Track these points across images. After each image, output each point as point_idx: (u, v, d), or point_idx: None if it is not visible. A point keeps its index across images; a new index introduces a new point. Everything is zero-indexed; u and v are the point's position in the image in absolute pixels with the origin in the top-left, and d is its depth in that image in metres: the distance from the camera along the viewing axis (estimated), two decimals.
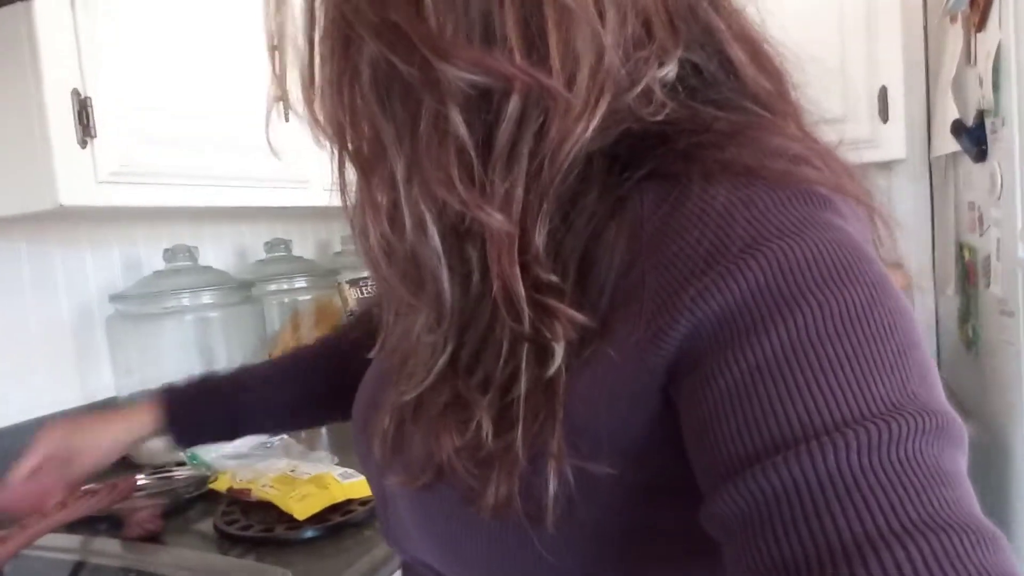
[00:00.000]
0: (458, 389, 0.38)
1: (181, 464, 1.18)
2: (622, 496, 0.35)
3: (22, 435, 1.23)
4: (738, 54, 0.39)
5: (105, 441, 0.72)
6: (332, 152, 0.39)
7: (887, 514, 0.26)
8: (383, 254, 0.39)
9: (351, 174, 0.40)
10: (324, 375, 0.74)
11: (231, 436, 0.76)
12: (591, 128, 0.34)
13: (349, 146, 0.38)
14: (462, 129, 0.34)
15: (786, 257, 0.31)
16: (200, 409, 0.73)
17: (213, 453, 1.17)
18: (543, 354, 0.35)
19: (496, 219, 0.34)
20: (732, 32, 0.39)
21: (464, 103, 0.34)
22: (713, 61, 0.39)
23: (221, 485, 1.03)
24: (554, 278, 0.35)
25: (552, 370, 0.35)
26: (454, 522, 0.40)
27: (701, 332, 0.31)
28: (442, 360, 0.39)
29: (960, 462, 0.29)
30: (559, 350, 0.35)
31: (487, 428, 0.36)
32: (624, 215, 0.36)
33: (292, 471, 1.02)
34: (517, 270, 0.35)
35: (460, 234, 0.37)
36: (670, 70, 0.37)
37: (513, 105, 0.34)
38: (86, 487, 0.75)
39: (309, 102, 0.38)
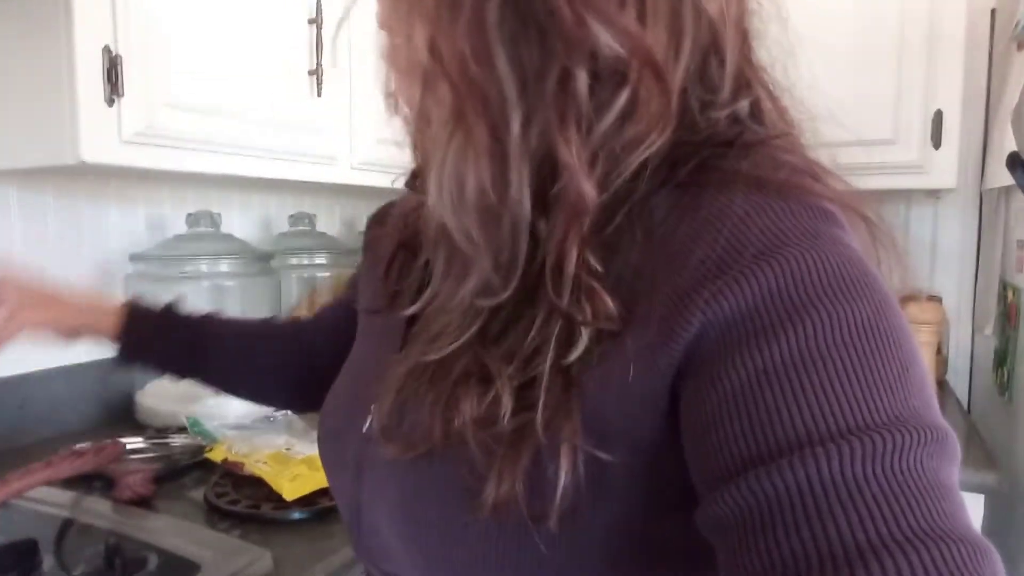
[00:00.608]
0: (483, 357, 0.37)
1: (182, 430, 1.18)
2: (627, 500, 0.35)
3: (32, 385, 1.25)
4: (765, 102, 0.42)
5: (67, 319, 0.71)
6: (429, 90, 0.38)
7: (888, 522, 0.26)
8: (475, 207, 0.37)
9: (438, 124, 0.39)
10: (281, 356, 0.74)
11: (179, 372, 0.74)
12: (667, 131, 0.37)
13: (462, 85, 0.36)
14: (584, 93, 0.35)
15: (798, 266, 0.31)
16: (162, 331, 0.72)
17: (215, 422, 1.17)
18: (571, 335, 0.35)
19: (589, 192, 0.35)
20: (759, 80, 0.42)
21: (590, 69, 0.35)
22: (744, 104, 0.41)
23: (216, 455, 1.03)
24: (597, 264, 0.36)
25: (576, 353, 0.35)
26: (444, 520, 0.38)
27: (710, 333, 0.32)
28: (476, 326, 0.39)
29: (955, 477, 0.30)
30: (586, 334, 0.35)
31: (507, 403, 0.35)
32: (640, 218, 0.37)
33: (288, 449, 1.02)
34: (576, 246, 0.35)
35: (544, 200, 0.37)
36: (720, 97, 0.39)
37: (626, 91, 0.36)
38: (74, 448, 0.74)
39: (429, 34, 0.37)
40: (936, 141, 1.40)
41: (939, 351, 1.65)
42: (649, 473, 0.35)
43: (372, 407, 0.45)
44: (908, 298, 1.43)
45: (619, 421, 0.34)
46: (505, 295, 0.38)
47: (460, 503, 0.37)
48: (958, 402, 1.58)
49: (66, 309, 0.71)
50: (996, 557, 0.27)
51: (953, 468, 0.30)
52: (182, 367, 0.74)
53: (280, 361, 0.73)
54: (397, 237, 0.52)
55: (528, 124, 0.36)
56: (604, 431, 0.35)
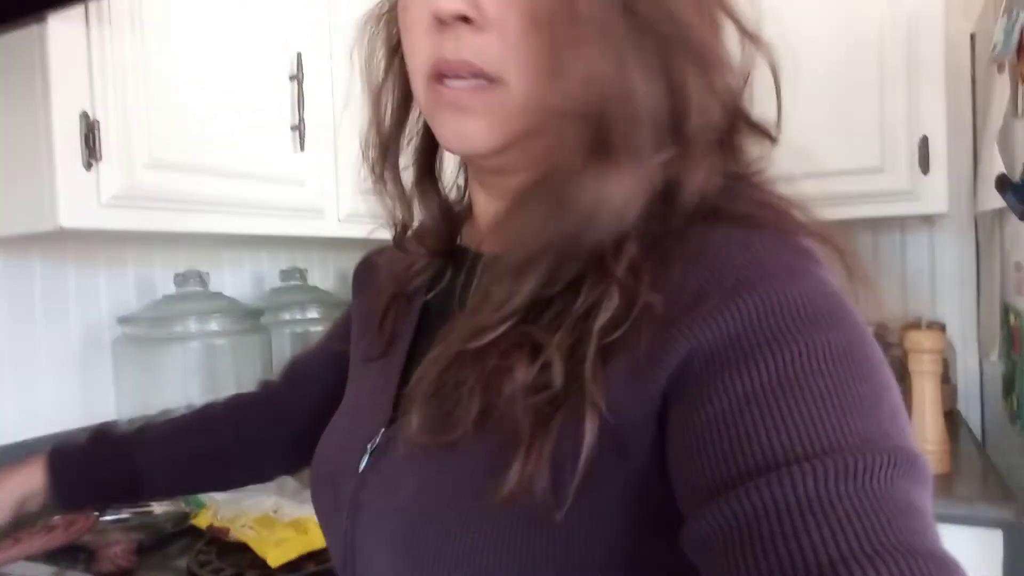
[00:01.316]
0: (529, 331, 0.38)
1: None
2: (621, 521, 0.36)
3: (21, 453, 1.23)
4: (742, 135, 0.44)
5: None
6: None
7: (860, 537, 0.28)
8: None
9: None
10: (235, 430, 0.71)
11: (128, 497, 0.70)
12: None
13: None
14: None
15: (778, 297, 0.34)
16: (92, 468, 0.67)
17: None
18: (619, 307, 0.37)
19: (699, 175, 0.39)
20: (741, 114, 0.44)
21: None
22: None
23: (202, 521, 1.00)
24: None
25: (620, 331, 0.36)
26: (446, 532, 0.39)
27: (695, 361, 0.34)
28: (520, 311, 0.39)
29: (927, 500, 0.31)
30: (633, 310, 0.36)
31: (558, 368, 0.36)
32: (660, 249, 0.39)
33: (275, 512, 0.99)
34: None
35: None
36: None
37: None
38: (43, 523, 0.71)
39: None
40: (924, 167, 1.39)
41: (947, 380, 1.61)
42: (640, 496, 0.36)
43: (380, 430, 0.47)
44: (910, 326, 1.40)
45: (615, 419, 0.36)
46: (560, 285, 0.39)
47: (471, 498, 0.38)
48: (971, 432, 1.53)
49: None
50: (964, 573, 0.28)
51: (924, 490, 0.31)
52: (138, 495, 0.69)
53: (261, 440, 0.71)
54: (391, 290, 0.54)
55: (704, 71, 0.39)
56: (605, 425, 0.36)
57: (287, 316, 1.61)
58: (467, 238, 0.53)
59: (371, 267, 0.62)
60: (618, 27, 0.37)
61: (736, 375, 0.32)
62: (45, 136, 0.94)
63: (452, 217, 0.54)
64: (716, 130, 0.40)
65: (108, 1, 0.99)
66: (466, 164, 0.52)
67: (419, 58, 0.42)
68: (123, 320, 1.31)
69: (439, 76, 0.41)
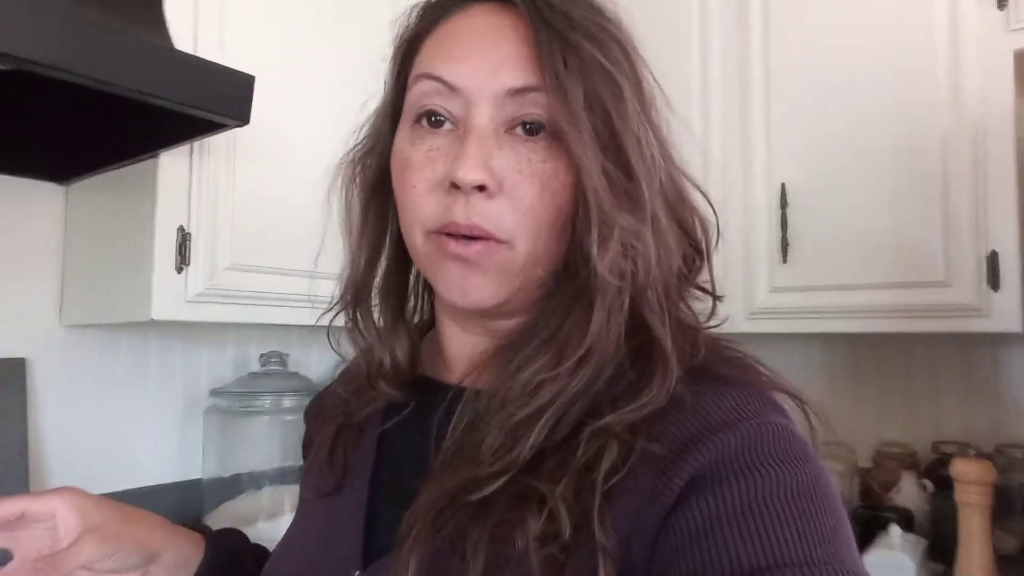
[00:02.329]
0: (531, 483, 0.39)
1: None
2: None
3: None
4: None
5: (140, 536, 0.54)
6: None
7: None
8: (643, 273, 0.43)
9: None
10: None
11: None
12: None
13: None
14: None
15: (752, 437, 0.39)
16: (236, 565, 0.60)
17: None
18: (617, 457, 0.40)
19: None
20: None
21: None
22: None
23: None
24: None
25: (620, 474, 0.39)
26: None
27: (685, 489, 0.38)
28: (519, 461, 0.40)
29: None
30: (632, 460, 0.39)
31: (565, 518, 0.38)
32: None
33: None
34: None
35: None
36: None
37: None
38: None
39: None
40: (994, 283, 1.30)
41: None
42: None
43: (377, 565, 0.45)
44: (958, 456, 1.29)
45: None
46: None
47: None
48: None
49: (144, 527, 0.55)
50: None
51: None
52: None
53: None
54: (338, 421, 0.54)
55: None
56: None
57: None
58: (431, 369, 0.53)
59: (316, 405, 0.62)
60: (656, 201, 0.43)
61: (711, 496, 0.36)
62: (147, 245, 1.17)
63: (417, 352, 0.54)
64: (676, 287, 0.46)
65: (210, 139, 1.22)
66: (435, 303, 0.54)
67: (422, 215, 0.44)
68: (214, 392, 1.52)
69: (444, 233, 0.43)
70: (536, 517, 0.38)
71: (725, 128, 1.62)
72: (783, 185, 1.52)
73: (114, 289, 1.24)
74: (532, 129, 0.43)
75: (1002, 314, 1.30)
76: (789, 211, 1.52)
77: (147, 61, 0.89)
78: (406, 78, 0.48)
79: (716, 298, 0.49)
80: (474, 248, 0.42)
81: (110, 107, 0.94)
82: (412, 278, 0.55)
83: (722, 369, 0.43)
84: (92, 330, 1.39)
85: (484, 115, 0.43)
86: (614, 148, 0.42)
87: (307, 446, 0.61)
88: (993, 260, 1.30)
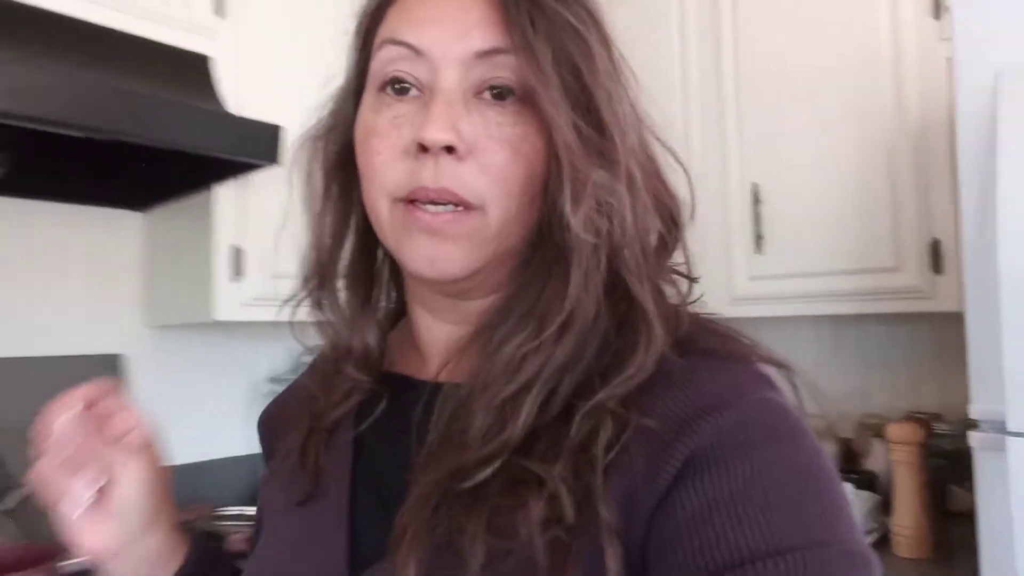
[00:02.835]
0: (526, 465, 0.38)
1: None
2: None
3: (201, 471, 1.76)
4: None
5: (154, 497, 0.52)
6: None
7: None
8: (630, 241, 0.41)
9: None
10: None
11: None
12: None
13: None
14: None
15: (747, 413, 0.37)
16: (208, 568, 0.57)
17: None
18: (613, 435, 0.38)
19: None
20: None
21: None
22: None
23: None
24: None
25: (615, 452, 0.38)
26: None
27: (682, 470, 0.36)
28: (509, 444, 0.39)
29: None
30: (626, 436, 0.38)
31: (567, 499, 0.36)
32: None
33: None
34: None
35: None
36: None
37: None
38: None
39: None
40: (936, 268, 1.46)
41: None
42: None
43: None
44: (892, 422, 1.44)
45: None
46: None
47: None
48: None
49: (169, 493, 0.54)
50: None
51: None
52: None
53: None
54: (305, 427, 0.50)
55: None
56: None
57: None
58: (403, 364, 0.51)
59: (274, 414, 0.59)
60: (630, 159, 0.42)
61: (708, 479, 0.35)
62: (208, 259, 1.46)
63: (386, 342, 0.51)
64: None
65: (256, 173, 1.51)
66: (404, 290, 0.52)
67: (388, 181, 0.42)
68: (271, 379, 1.82)
69: (412, 200, 0.41)
70: (537, 501, 0.36)
71: (704, 128, 1.80)
72: (755, 184, 1.71)
73: (185, 296, 1.54)
74: (500, 93, 0.41)
75: (945, 296, 1.44)
76: (762, 207, 1.70)
77: (198, 123, 1.17)
78: (371, 49, 0.45)
79: (692, 280, 0.47)
80: (444, 218, 0.41)
81: (174, 155, 1.22)
82: (379, 262, 0.52)
83: (709, 340, 0.42)
84: (171, 330, 1.70)
85: (451, 79, 0.41)
86: (585, 104, 0.41)
87: (269, 456, 0.57)
88: (935, 247, 1.45)
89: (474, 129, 0.41)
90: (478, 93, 0.42)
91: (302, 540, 0.48)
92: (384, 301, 0.53)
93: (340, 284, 0.50)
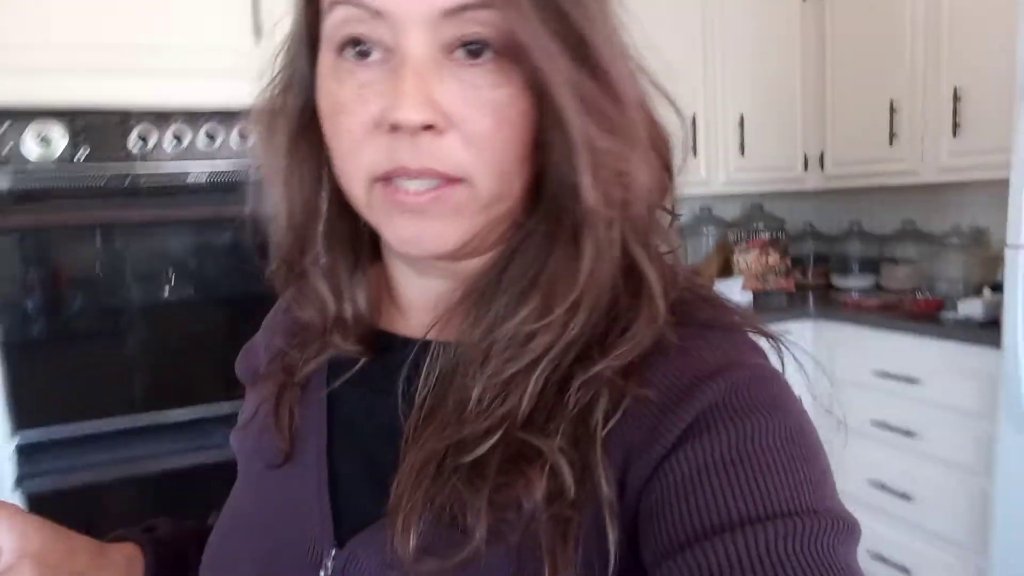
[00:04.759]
0: (525, 439, 0.37)
1: None
2: None
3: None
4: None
5: (79, 565, 0.47)
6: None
7: None
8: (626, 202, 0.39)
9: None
10: None
11: None
12: None
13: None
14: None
15: (740, 381, 0.37)
16: (186, 557, 0.55)
17: None
18: (610, 404, 0.38)
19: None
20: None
21: None
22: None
23: None
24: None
25: (613, 421, 0.37)
26: None
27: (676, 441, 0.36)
28: (507, 415, 0.38)
29: (857, 559, 0.35)
30: (624, 404, 0.38)
31: (567, 473, 0.36)
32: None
33: None
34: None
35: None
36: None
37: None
38: None
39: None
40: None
41: None
42: None
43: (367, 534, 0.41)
44: None
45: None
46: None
47: None
48: None
49: (84, 556, 0.48)
50: None
51: (855, 551, 0.36)
52: None
53: None
54: (279, 379, 0.48)
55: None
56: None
57: None
58: (386, 322, 0.48)
59: (251, 353, 0.56)
60: (636, 113, 0.39)
61: (699, 445, 0.35)
62: None
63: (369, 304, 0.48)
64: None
65: None
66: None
67: (363, 162, 0.38)
68: None
69: (390, 178, 0.38)
70: (539, 476, 0.36)
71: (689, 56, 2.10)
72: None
73: None
74: (475, 50, 0.37)
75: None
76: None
77: None
78: (319, 5, 0.40)
79: (675, 216, 0.45)
80: (428, 196, 0.38)
81: None
82: (362, 223, 0.46)
83: (705, 311, 0.42)
84: None
85: (418, 43, 0.36)
86: (582, 56, 0.37)
87: (242, 387, 0.56)
88: None
89: (451, 97, 0.37)
90: (449, 53, 0.37)
91: (280, 507, 0.46)
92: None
93: (321, 247, 0.46)
